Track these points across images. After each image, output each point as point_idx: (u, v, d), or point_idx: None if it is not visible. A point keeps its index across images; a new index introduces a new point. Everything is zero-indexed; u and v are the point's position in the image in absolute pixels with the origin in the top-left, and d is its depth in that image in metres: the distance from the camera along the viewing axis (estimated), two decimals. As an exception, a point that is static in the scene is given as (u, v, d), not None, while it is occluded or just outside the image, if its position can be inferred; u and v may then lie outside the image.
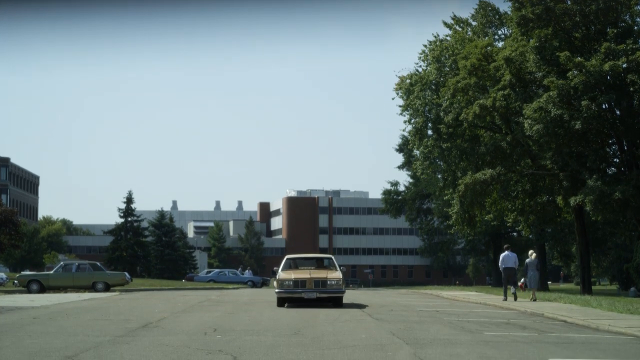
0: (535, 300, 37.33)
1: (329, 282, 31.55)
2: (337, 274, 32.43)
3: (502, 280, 39.57)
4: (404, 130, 65.23)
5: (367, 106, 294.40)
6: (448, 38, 58.30)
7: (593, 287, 56.40)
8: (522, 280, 58.77)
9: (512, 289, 38.22)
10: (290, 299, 32.11)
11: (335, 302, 32.22)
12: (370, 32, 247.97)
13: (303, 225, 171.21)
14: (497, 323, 24.63)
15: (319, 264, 35.35)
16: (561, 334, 20.99)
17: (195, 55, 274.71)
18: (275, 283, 32.53)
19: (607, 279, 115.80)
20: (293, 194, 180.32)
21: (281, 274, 32.67)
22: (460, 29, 58.97)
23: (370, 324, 23.29)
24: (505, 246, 39.42)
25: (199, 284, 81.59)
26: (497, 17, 59.27)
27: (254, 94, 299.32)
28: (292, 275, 32.20)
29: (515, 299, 37.59)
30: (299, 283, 31.64)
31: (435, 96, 55.03)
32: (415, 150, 67.70)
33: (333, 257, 36.08)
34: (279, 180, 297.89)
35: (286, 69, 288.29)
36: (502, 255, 38.60)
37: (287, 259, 35.68)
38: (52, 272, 55.21)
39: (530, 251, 40.50)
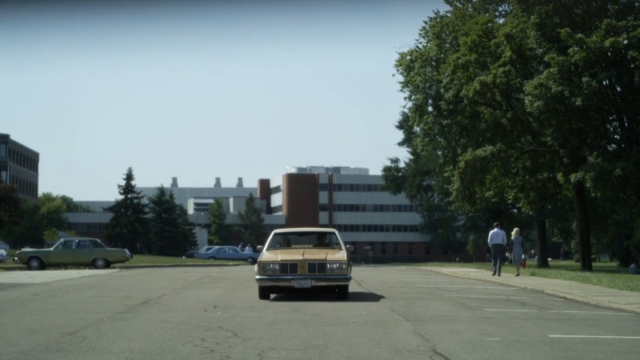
0: (517, 275, 38.57)
1: (328, 266, 22.95)
2: (341, 255, 23.76)
3: (490, 256, 41.35)
4: (404, 107, 65.26)
5: (367, 82, 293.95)
6: (448, 14, 58.06)
7: (593, 264, 56.41)
8: (522, 257, 58.83)
9: (498, 264, 39.63)
10: (276, 288, 23.74)
11: (339, 292, 23.61)
12: (370, 7, 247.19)
13: (303, 202, 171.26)
14: (497, 300, 24.64)
15: (319, 240, 26.49)
16: (561, 311, 21.00)
17: (195, 34, 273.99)
18: (256, 267, 23.70)
19: (607, 255, 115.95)
20: (293, 170, 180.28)
21: (265, 254, 24.30)
22: (460, 6, 58.69)
23: (371, 301, 23.30)
24: (495, 224, 42.18)
25: (199, 261, 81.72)
26: (497, -7, 59.02)
27: (254, 71, 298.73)
28: (279, 256, 23.60)
29: (499, 274, 38.96)
30: (288, 267, 23.05)
31: (435, 73, 54.87)
32: (415, 127, 67.58)
33: (336, 232, 26.75)
34: (279, 157, 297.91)
35: (286, 46, 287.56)
36: (491, 233, 40.41)
37: (275, 234, 26.53)
38: (52, 248, 55.25)
39: (515, 229, 41.58)
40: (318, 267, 23.11)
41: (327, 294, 24.27)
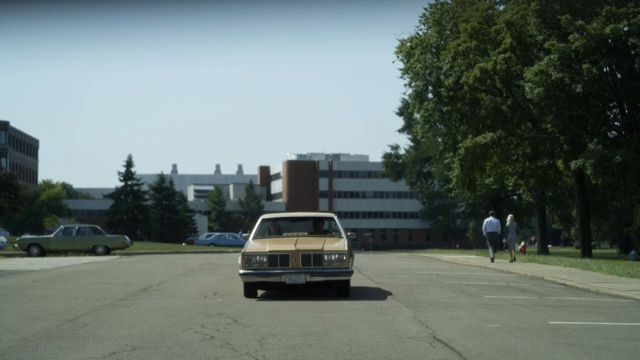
0: (512, 261, 39.70)
1: (326, 257, 19.47)
2: (341, 244, 20.26)
3: (487, 244, 41.72)
4: (404, 94, 64.93)
5: (367, 69, 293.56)
6: (449, 1, 57.93)
7: (593, 251, 56.45)
8: (522, 243, 58.90)
9: (492, 250, 40.83)
10: (264, 284, 20.08)
11: (339, 289, 20.16)
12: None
13: (303, 189, 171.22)
14: (497, 286, 24.65)
15: (315, 227, 23.01)
16: (561, 297, 21.01)
17: (195, 22, 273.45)
18: (240, 259, 20.08)
19: (607, 242, 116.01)
20: (293, 157, 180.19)
21: (251, 243, 20.74)
22: (461, -8, 58.54)
23: (371, 288, 23.31)
24: (490, 212, 42.46)
25: (199, 248, 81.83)
26: (498, -21, 58.88)
27: (254, 59, 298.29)
28: (268, 245, 20.04)
29: (493, 260, 40.31)
30: (278, 259, 19.47)
31: (435, 59, 54.77)
32: (415, 114, 67.45)
33: (335, 217, 22.91)
34: (279, 144, 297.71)
35: (286, 33, 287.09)
36: (485, 221, 41.05)
37: (264, 220, 22.90)
38: (52, 235, 55.30)
39: (510, 216, 42.45)
40: (314, 259, 19.37)
41: (325, 291, 21.17)
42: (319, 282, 19.62)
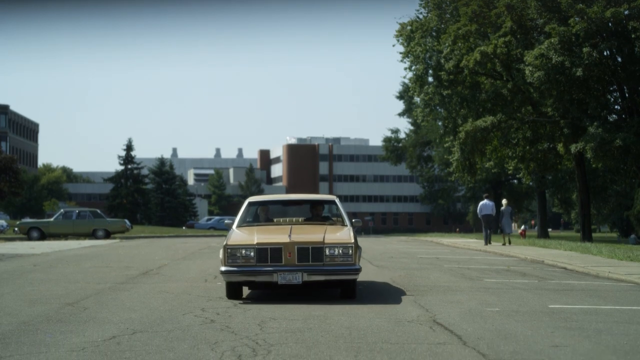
0: (505, 244, 40.58)
1: (328, 251, 15.99)
2: (345, 234, 16.70)
3: (482, 227, 42.63)
4: (404, 78, 64.76)
5: (367, 53, 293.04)
6: (449, -16, 57.74)
7: (593, 235, 56.44)
8: (522, 227, 58.97)
9: (488, 234, 41.60)
10: (251, 284, 16.67)
11: (343, 290, 16.61)
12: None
13: (303, 173, 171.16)
14: (497, 270, 24.65)
15: (313, 212, 18.97)
16: (561, 281, 21.01)
17: (196, 5, 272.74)
18: (221, 253, 16.38)
19: (607, 226, 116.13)
20: (293, 141, 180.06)
21: (235, 233, 17.04)
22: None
23: (371, 271, 23.30)
24: (485, 195, 43.75)
25: (199, 232, 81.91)
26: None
27: (255, 42, 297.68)
28: (255, 236, 16.42)
29: (490, 242, 41.19)
30: (268, 253, 15.95)
31: (436, 43, 54.62)
32: (415, 98, 67.33)
33: (337, 201, 18.95)
34: (279, 128, 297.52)
35: (286, 18, 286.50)
36: (480, 204, 42.01)
37: (250, 204, 19.05)
38: (52, 219, 55.35)
39: (504, 200, 43.72)
40: (312, 253, 15.87)
41: (325, 292, 17.72)
42: (319, 282, 16.09)
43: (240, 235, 16.77)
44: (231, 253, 15.89)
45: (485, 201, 41.84)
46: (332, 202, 19.21)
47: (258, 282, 16.07)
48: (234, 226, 17.73)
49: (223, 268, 15.92)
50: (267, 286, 16.44)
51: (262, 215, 18.92)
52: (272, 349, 10.70)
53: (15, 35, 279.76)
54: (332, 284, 16.53)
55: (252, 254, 15.82)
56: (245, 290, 17.51)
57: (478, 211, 42.11)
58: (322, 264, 15.88)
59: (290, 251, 15.84)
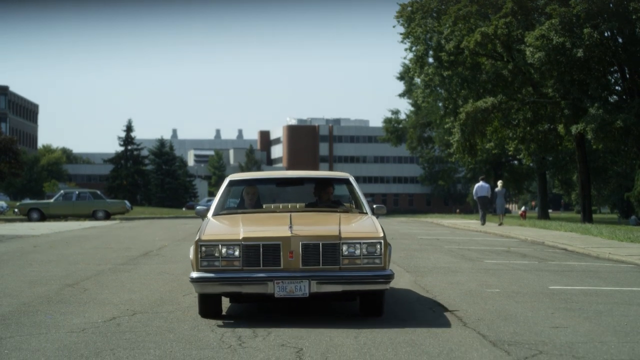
0: (501, 224, 41.21)
1: (346, 250, 11.21)
2: (369, 224, 12.09)
3: (478, 208, 43.73)
4: (404, 58, 64.78)
5: (367, 34, 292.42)
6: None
7: (593, 216, 56.45)
8: (523, 208, 59.08)
9: (483, 214, 42.58)
10: (236, 296, 11.86)
11: (365, 302, 11.79)
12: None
13: (303, 154, 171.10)
14: (497, 251, 24.65)
15: (319, 195, 13.94)
16: (561, 262, 21.01)
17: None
18: (191, 252, 11.75)
19: (607, 207, 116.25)
20: (293, 122, 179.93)
21: (212, 224, 12.32)
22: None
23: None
24: (480, 177, 45.27)
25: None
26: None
27: (255, 22, 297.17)
28: (241, 228, 11.62)
29: (484, 223, 41.90)
30: (261, 252, 11.17)
31: (436, 24, 54.48)
32: (416, 79, 67.27)
33: (352, 180, 14.02)
34: (279, 109, 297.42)
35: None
36: (476, 186, 43.31)
37: (232, 183, 14.05)
38: (52, 200, 55.36)
39: (499, 182, 44.70)
40: (324, 251, 11.10)
41: (340, 307, 12.75)
42: (336, 293, 11.21)
43: (220, 227, 12.01)
44: (206, 252, 11.04)
45: (480, 183, 42.96)
46: (345, 182, 14.06)
47: (245, 294, 11.17)
48: (210, 214, 12.93)
49: (194, 274, 11.06)
50: (258, 299, 11.72)
51: (249, 199, 13.78)
52: (272, 330, 10.69)
53: (14, 16, 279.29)
54: (350, 296, 11.58)
55: (236, 253, 10.99)
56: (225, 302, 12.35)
57: (474, 193, 43.24)
58: (339, 267, 11.01)
59: (293, 249, 10.97)
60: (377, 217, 12.86)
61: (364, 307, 11.77)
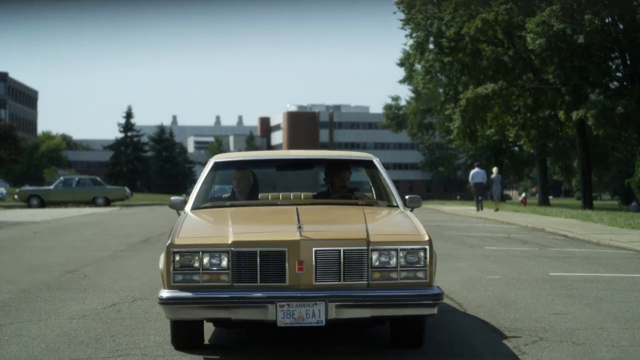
0: (497, 210, 42.56)
1: (377, 259, 8.00)
2: (406, 224, 8.81)
3: (474, 194, 44.92)
4: (405, 45, 64.52)
5: (368, 20, 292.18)
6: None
7: (594, 202, 56.42)
8: (523, 194, 59.15)
9: (479, 201, 43.45)
10: (223, 322, 8.42)
11: (400, 329, 8.64)
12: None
13: (304, 140, 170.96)
14: (497, 238, 24.64)
15: (333, 183, 10.55)
16: (562, 249, 21.00)
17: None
18: (161, 261, 8.48)
19: (608, 193, 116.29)
20: (293, 108, 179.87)
21: (190, 221, 9.06)
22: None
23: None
24: (476, 164, 45.90)
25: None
26: None
27: (255, 9, 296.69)
28: (230, 228, 8.31)
29: (481, 209, 42.79)
30: (257, 262, 7.90)
31: (437, 10, 54.36)
32: (416, 65, 67.21)
33: (377, 162, 11.04)
34: (279, 95, 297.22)
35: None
36: (472, 172, 44.04)
37: (218, 165, 10.81)
38: (52, 187, 55.39)
39: (495, 168, 46.09)
40: (347, 261, 8.02)
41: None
42: (361, 320, 8.23)
43: (201, 226, 9.12)
44: (182, 262, 8.00)
45: (476, 169, 43.82)
46: (368, 165, 11.17)
47: (236, 320, 8.04)
48: (188, 207, 9.86)
49: (165, 293, 8.01)
50: (252, 325, 8.56)
51: (241, 188, 10.55)
52: None
53: (14, 3, 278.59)
54: (379, 321, 8.46)
55: (224, 263, 7.95)
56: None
57: (470, 179, 43.90)
58: (366, 284, 7.99)
59: (303, 259, 7.89)
60: (412, 203, 10.20)
61: (398, 335, 8.76)
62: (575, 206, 56.66)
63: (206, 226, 9.13)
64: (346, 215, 9.35)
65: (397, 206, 10.04)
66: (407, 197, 10.21)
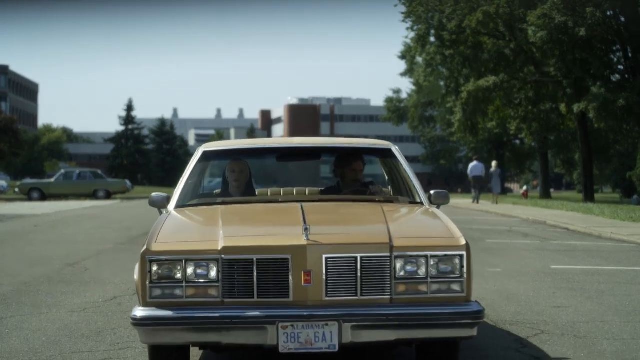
0: (497, 203, 42.85)
1: (403, 267, 6.56)
2: (434, 225, 7.48)
3: (472, 186, 45.85)
4: (406, 38, 64.51)
5: (369, 13, 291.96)
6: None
7: (595, 195, 56.38)
8: (525, 187, 59.20)
9: (477, 193, 44.39)
10: (211, 346, 6.87)
11: (429, 356, 7.23)
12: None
13: (305, 133, 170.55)
14: (499, 231, 24.63)
15: (344, 175, 8.99)
16: (563, 242, 20.98)
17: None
18: (136, 270, 7.01)
19: (609, 186, 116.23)
20: (294, 101, 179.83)
21: (172, 222, 7.59)
22: None
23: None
24: (475, 157, 46.92)
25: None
26: None
27: (257, 1, 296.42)
28: (220, 230, 6.78)
29: (477, 202, 43.69)
30: (254, 274, 6.40)
31: (438, 3, 54.30)
32: (417, 58, 67.12)
33: (396, 150, 9.40)
34: (280, 88, 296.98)
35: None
36: (470, 165, 45.02)
37: (207, 155, 8.93)
38: (52, 180, 55.44)
39: (494, 162, 47.03)
40: (365, 271, 6.48)
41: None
42: (381, 343, 6.65)
43: (184, 228, 7.70)
44: (160, 274, 6.59)
45: (475, 163, 44.79)
46: (386, 154, 9.61)
47: (229, 345, 6.59)
48: (171, 205, 8.35)
49: (139, 312, 6.56)
50: (246, 349, 7.30)
51: (240, 183, 8.83)
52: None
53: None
54: (404, 344, 6.99)
55: (212, 274, 6.50)
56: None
57: (468, 172, 44.85)
58: (389, 299, 6.57)
59: (311, 268, 6.44)
60: (439, 197, 8.67)
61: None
62: (576, 199, 56.65)
63: (191, 228, 7.71)
64: (362, 215, 7.79)
65: (422, 203, 8.45)
66: (432, 192, 8.73)
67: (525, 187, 59.04)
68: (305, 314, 6.32)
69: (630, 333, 9.28)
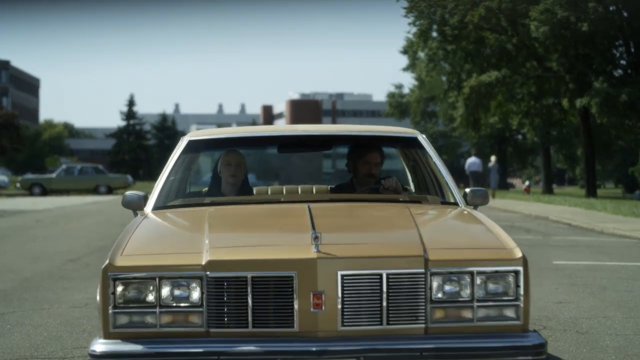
0: (495, 197, 42.96)
1: (440, 286, 4.90)
2: (479, 232, 5.76)
3: (470, 182, 45.43)
4: (408, 33, 64.54)
5: (371, 8, 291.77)
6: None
7: (598, 190, 56.39)
8: (527, 183, 59.25)
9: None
10: None
11: None
12: None
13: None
14: (501, 226, 24.45)
15: (357, 168, 7.50)
16: (565, 237, 20.96)
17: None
18: (98, 291, 4.92)
19: (612, 182, 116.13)
20: (296, 96, 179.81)
21: (147, 228, 5.78)
22: None
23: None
24: (473, 153, 47.70)
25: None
26: None
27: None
28: (206, 239, 5.12)
29: None
30: (248, 296, 4.79)
31: (440, -3, 54.32)
32: (419, 53, 67.11)
33: (423, 139, 7.47)
34: (282, 83, 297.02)
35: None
36: (468, 160, 45.36)
37: (191, 146, 7.38)
38: (54, 175, 55.40)
39: (492, 157, 48.00)
40: (392, 292, 4.85)
41: None
42: None
43: (159, 236, 5.88)
44: (126, 295, 4.91)
45: (473, 158, 45.30)
46: (411, 144, 8.01)
47: None
48: (148, 207, 6.68)
49: (99, 346, 4.85)
50: None
51: (236, 179, 7.29)
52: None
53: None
54: None
55: (194, 296, 4.87)
56: None
57: (466, 167, 44.81)
58: (424, 327, 4.92)
59: (322, 288, 4.80)
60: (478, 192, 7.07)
61: None
62: (578, 194, 56.65)
63: (170, 236, 5.90)
64: (386, 219, 6.13)
65: (456, 203, 6.84)
66: (467, 190, 7.02)
67: (527, 183, 59.04)
68: (314, 349, 4.75)
69: (632, 329, 9.26)
